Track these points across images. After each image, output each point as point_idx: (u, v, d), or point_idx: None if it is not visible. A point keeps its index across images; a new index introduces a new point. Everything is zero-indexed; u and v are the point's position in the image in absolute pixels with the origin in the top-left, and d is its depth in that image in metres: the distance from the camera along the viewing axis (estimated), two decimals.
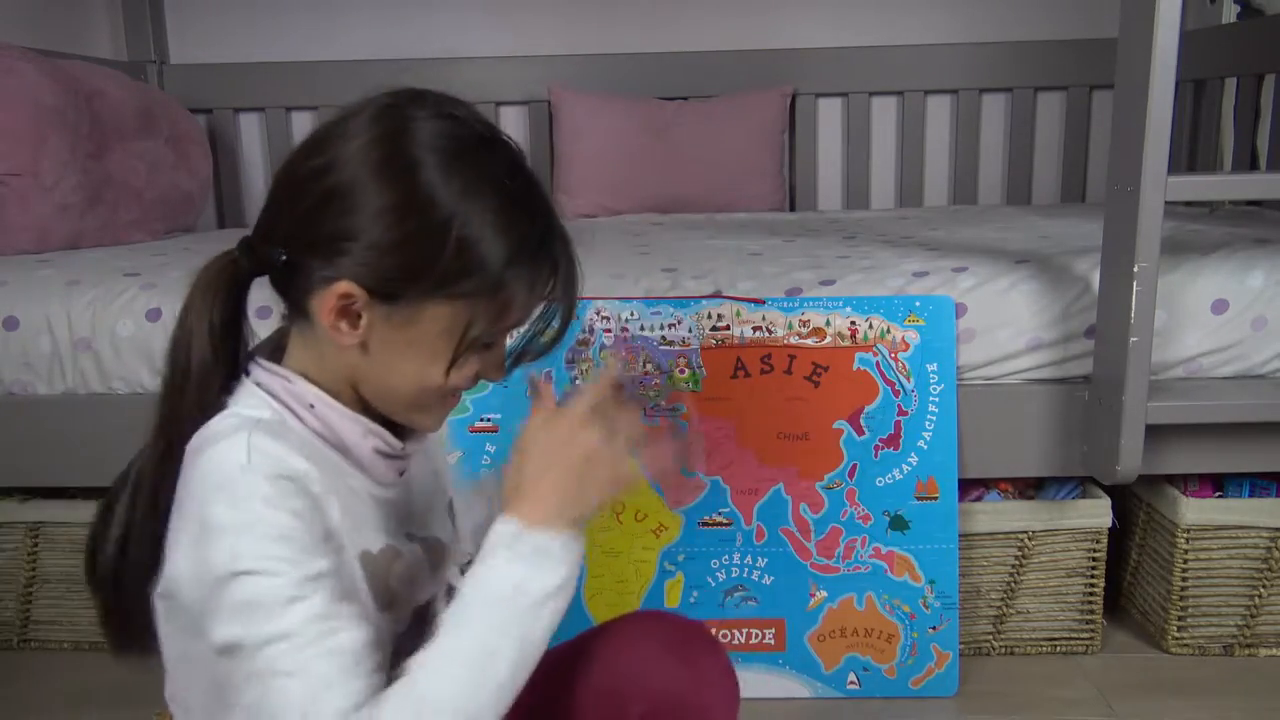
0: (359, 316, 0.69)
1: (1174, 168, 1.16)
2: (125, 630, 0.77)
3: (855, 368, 1.36)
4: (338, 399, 0.74)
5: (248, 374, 0.74)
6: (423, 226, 0.68)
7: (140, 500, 0.73)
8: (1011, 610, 1.45)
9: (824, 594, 1.36)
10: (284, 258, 0.70)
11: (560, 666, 0.81)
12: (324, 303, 0.69)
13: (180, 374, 0.73)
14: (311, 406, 0.73)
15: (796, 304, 1.37)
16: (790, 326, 1.36)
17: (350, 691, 0.64)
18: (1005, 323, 1.35)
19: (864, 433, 1.35)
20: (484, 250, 0.68)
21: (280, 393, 0.73)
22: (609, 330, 1.36)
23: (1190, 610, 1.44)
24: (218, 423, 0.70)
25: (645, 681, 0.79)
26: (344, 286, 0.68)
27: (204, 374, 0.72)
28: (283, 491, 0.67)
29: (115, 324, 1.43)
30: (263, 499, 0.66)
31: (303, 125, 2.49)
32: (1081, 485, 1.46)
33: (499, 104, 2.45)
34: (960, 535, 1.36)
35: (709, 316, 1.37)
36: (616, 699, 0.79)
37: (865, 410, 1.35)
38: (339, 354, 0.72)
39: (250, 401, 0.72)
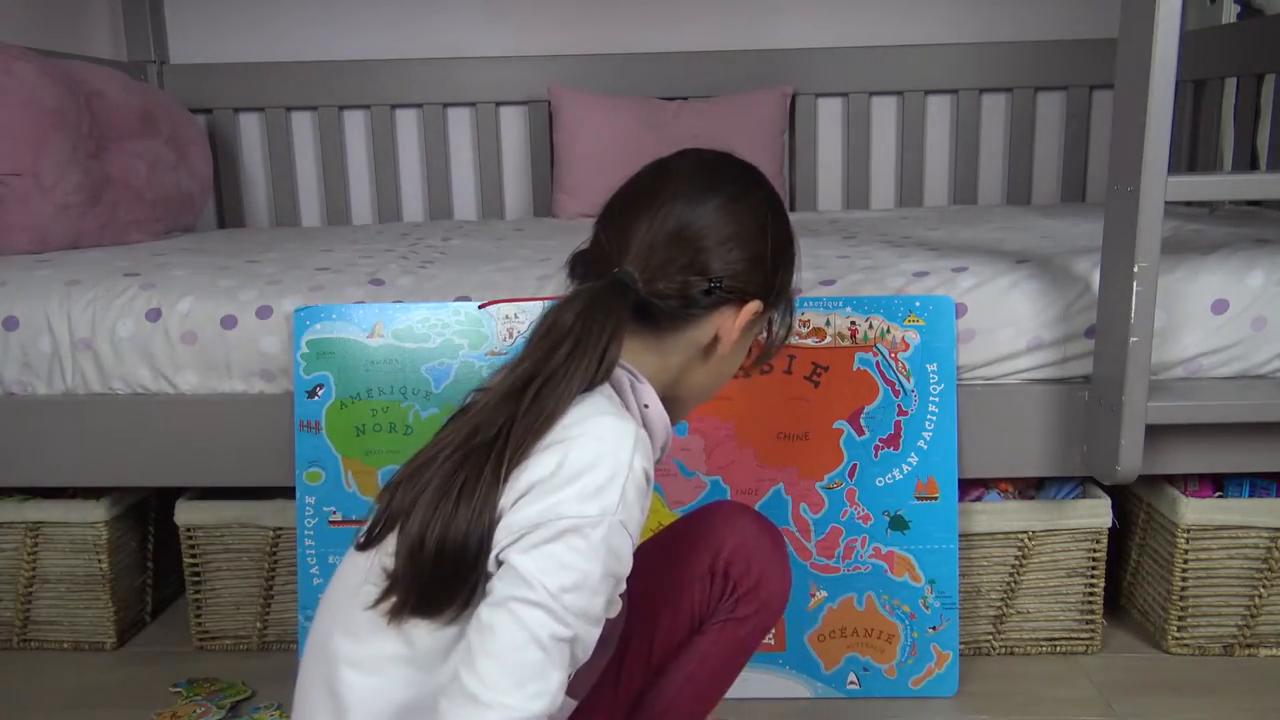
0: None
1: (1174, 168, 1.16)
2: (445, 591, 0.77)
3: (855, 368, 1.36)
4: None
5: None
6: (791, 246, 0.92)
7: (482, 453, 0.76)
8: (1011, 610, 1.45)
9: (824, 594, 1.36)
10: (717, 287, 0.84)
11: (662, 544, 1.03)
12: (736, 319, 0.86)
13: (553, 377, 0.78)
14: (646, 407, 0.85)
15: (796, 304, 1.37)
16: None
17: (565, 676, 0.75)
18: (1005, 323, 1.35)
19: (864, 433, 1.35)
20: (794, 267, 0.92)
21: (625, 388, 0.84)
22: None
23: (1190, 610, 1.44)
24: (597, 396, 0.79)
25: (734, 531, 1.00)
26: (756, 305, 0.87)
27: (572, 388, 0.78)
28: (644, 490, 0.77)
29: (115, 324, 1.43)
30: (638, 491, 0.76)
31: (303, 125, 2.49)
32: (1081, 485, 1.46)
33: (499, 104, 2.45)
34: (960, 535, 1.36)
35: None
36: (718, 538, 1.00)
37: (865, 410, 1.35)
38: (690, 358, 0.88)
39: (602, 389, 0.81)
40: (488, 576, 0.75)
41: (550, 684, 0.72)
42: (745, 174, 0.90)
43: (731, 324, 0.87)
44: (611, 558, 0.75)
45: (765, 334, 0.95)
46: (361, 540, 0.81)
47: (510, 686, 0.71)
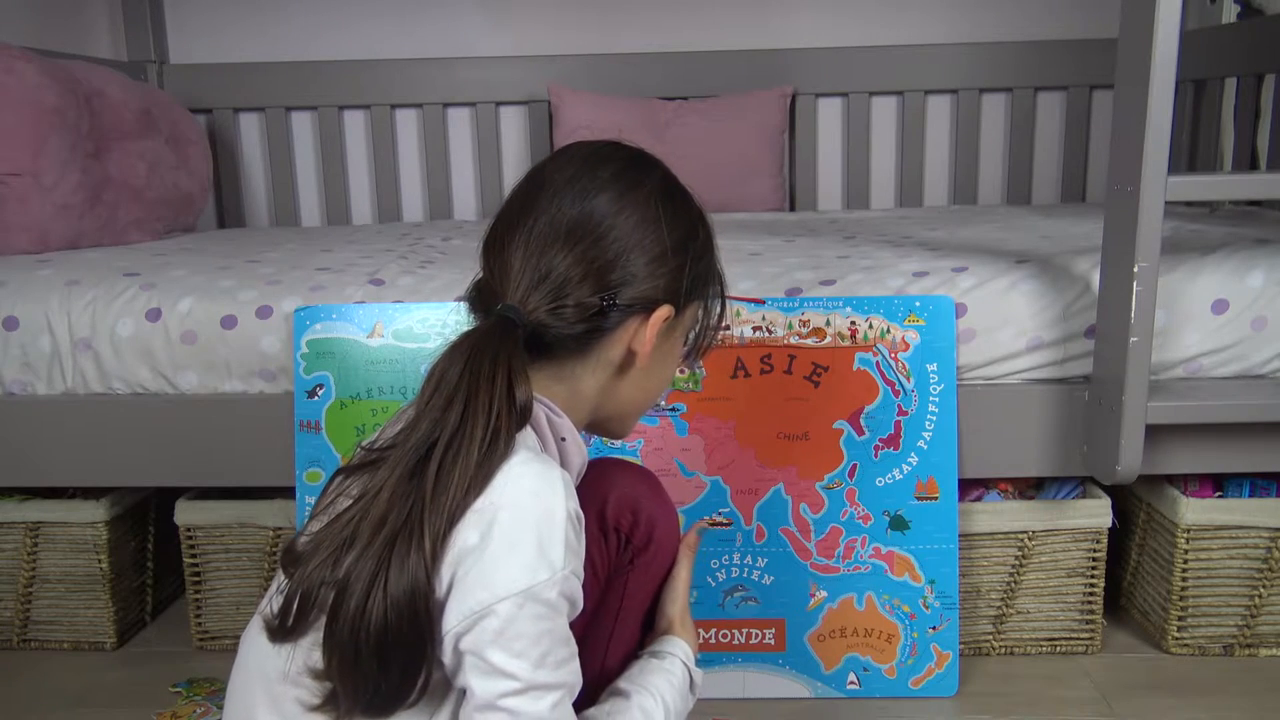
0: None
1: (1174, 168, 1.16)
2: (396, 692, 0.71)
3: (855, 368, 1.36)
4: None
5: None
6: (698, 234, 0.83)
7: (402, 543, 0.70)
8: (1011, 610, 1.45)
9: (824, 594, 1.36)
10: (613, 302, 0.77)
11: None
12: (647, 330, 0.79)
13: (456, 449, 0.71)
14: (563, 440, 0.80)
15: (796, 304, 1.37)
16: (790, 326, 1.36)
17: None
18: (1005, 323, 1.35)
19: (864, 433, 1.35)
20: (712, 249, 0.85)
21: (542, 423, 0.79)
22: None
23: (1190, 610, 1.44)
24: (517, 446, 0.73)
25: (610, 484, 0.95)
26: (666, 310, 0.79)
27: (474, 453, 0.71)
28: (580, 530, 0.73)
29: (115, 324, 1.43)
30: (576, 533, 0.72)
31: (303, 125, 2.49)
32: (1081, 485, 1.46)
33: (499, 104, 2.45)
34: (960, 535, 1.36)
35: None
36: (599, 495, 0.94)
37: (865, 410, 1.35)
38: (606, 379, 0.81)
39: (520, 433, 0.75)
40: (441, 664, 0.72)
41: None
42: (626, 166, 0.81)
43: (643, 335, 0.80)
44: (568, 605, 0.73)
45: (697, 326, 0.88)
46: (275, 624, 0.73)
47: None
